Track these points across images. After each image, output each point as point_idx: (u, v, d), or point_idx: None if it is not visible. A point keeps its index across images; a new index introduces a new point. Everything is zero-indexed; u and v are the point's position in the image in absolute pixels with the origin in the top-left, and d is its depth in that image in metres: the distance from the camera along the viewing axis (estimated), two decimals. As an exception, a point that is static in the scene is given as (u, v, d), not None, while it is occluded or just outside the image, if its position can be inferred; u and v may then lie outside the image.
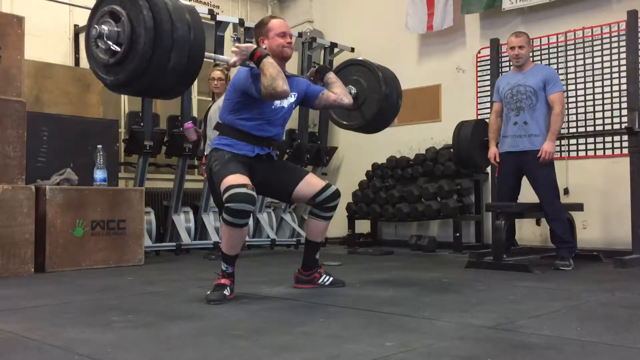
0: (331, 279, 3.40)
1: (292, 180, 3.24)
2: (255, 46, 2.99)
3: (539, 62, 5.75)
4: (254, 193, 2.91)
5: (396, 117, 3.73)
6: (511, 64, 4.70)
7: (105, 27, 2.44)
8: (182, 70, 2.49)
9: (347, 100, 3.33)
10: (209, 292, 2.96)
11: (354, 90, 3.53)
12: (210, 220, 6.05)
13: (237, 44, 3.05)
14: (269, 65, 2.90)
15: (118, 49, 2.43)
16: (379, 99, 3.51)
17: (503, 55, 5.86)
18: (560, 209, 4.37)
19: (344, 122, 3.73)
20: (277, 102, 3.13)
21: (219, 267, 3.07)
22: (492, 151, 4.58)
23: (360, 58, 3.72)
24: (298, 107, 6.84)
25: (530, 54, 4.67)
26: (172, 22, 2.41)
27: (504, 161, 4.52)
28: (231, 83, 3.17)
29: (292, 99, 3.24)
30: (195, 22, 2.54)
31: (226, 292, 2.96)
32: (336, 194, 3.27)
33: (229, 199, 2.85)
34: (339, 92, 3.31)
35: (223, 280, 3.00)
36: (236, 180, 2.89)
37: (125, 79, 2.42)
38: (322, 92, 3.32)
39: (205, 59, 2.68)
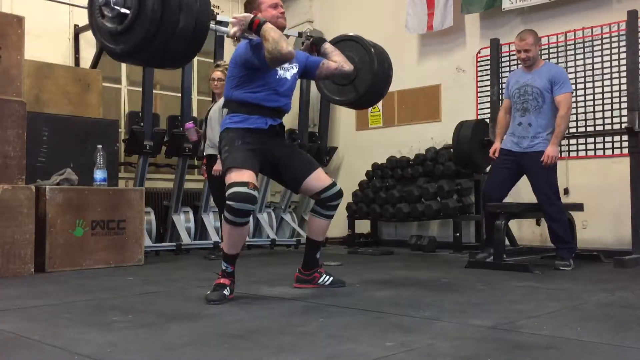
0: (331, 279, 3.39)
1: (304, 170, 3.22)
2: (252, 15, 2.96)
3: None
4: (256, 193, 2.91)
5: (388, 89, 3.66)
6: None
7: None
8: (190, 33, 2.45)
9: (348, 67, 3.31)
10: (208, 292, 2.96)
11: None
12: (210, 220, 6.06)
13: (234, 15, 3.02)
14: (270, 29, 2.88)
15: (127, 11, 2.37)
16: (371, 71, 3.48)
17: (503, 55, 5.86)
18: (561, 209, 4.36)
19: (337, 98, 3.69)
20: (281, 72, 3.12)
21: (218, 267, 3.07)
22: (495, 146, 4.56)
23: (351, 34, 3.67)
24: (298, 107, 6.85)
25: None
26: None
27: (502, 155, 4.50)
28: (232, 60, 3.14)
29: (294, 69, 3.22)
30: None
31: (226, 292, 2.96)
32: (340, 193, 3.30)
33: (230, 197, 2.86)
34: (339, 60, 3.30)
35: (223, 280, 3.00)
36: (240, 177, 2.89)
37: (135, 45, 2.37)
38: (322, 62, 3.31)
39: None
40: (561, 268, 4.14)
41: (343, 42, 3.59)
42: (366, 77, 3.51)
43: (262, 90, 3.08)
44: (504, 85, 5.46)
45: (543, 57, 5.73)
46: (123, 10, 2.38)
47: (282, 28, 3.13)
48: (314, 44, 3.42)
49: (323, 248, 6.46)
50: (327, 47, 3.38)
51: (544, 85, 4.30)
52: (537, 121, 4.32)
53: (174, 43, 2.43)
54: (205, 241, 5.91)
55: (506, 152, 4.49)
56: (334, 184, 3.27)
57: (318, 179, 3.23)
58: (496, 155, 4.52)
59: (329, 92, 3.71)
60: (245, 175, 2.91)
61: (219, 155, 3.24)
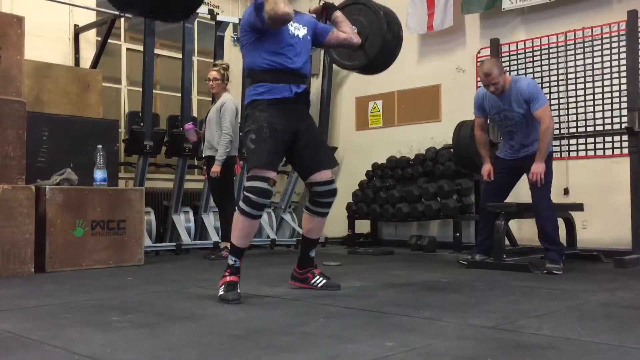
0: (324, 281, 3.29)
1: (320, 164, 3.20)
2: None
3: (538, 62, 5.75)
4: (273, 189, 2.97)
5: (399, 50, 3.59)
6: None
7: None
8: None
9: (357, 39, 3.32)
10: (222, 292, 2.92)
11: (355, 30, 3.42)
12: (210, 220, 6.06)
13: None
14: None
15: None
16: (381, 33, 3.42)
17: (503, 55, 5.86)
18: (551, 207, 4.26)
19: (347, 63, 3.62)
20: (292, 30, 3.09)
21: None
22: (487, 168, 4.43)
23: None
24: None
25: (506, 69, 4.47)
26: None
27: (501, 162, 4.48)
28: (241, 28, 3.14)
29: (303, 31, 3.18)
30: None
31: (239, 289, 2.94)
32: (333, 192, 3.24)
33: (250, 190, 2.92)
34: (348, 30, 3.31)
35: (232, 278, 2.97)
36: (262, 172, 2.94)
37: None
38: (332, 30, 3.30)
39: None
40: (554, 272, 4.00)
41: (352, 6, 3.53)
42: (376, 41, 3.44)
43: (277, 52, 3.04)
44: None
45: (543, 57, 5.74)
46: None
47: None
48: (326, 8, 3.38)
49: (323, 248, 6.49)
50: (338, 15, 3.36)
51: (521, 106, 4.20)
52: (526, 138, 4.30)
53: None
54: (205, 241, 5.91)
55: (500, 160, 4.48)
56: (331, 181, 3.23)
57: (323, 173, 3.21)
58: (491, 177, 4.41)
59: (339, 57, 3.64)
60: (267, 171, 2.95)
61: (244, 134, 3.17)
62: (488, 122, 4.59)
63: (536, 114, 4.14)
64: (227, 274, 2.99)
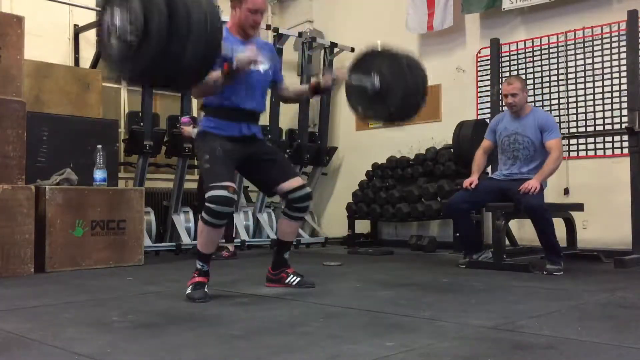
0: (299, 279, 3.33)
1: (286, 174, 3.22)
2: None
3: (539, 62, 5.75)
4: (235, 196, 2.96)
5: (425, 101, 3.51)
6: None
7: (117, 16, 2.28)
8: (198, 62, 2.34)
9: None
10: (189, 291, 2.98)
11: (377, 80, 3.35)
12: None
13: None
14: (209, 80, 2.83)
15: (131, 38, 2.25)
16: (403, 87, 3.34)
17: (503, 55, 5.86)
18: (548, 210, 4.16)
19: (369, 113, 3.54)
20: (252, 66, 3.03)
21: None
22: (471, 179, 4.39)
23: (379, 47, 3.56)
24: (298, 107, 6.83)
25: (529, 98, 4.45)
26: (187, 10, 2.25)
27: (489, 180, 4.55)
28: None
29: (265, 66, 3.16)
30: (210, 8, 2.36)
31: (206, 289, 2.99)
32: (308, 197, 3.25)
33: (211, 200, 2.91)
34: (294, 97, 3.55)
35: (200, 279, 3.03)
36: (220, 183, 2.93)
37: (142, 69, 2.27)
38: (283, 82, 3.40)
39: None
40: (554, 273, 3.97)
41: (372, 57, 3.47)
42: (398, 92, 3.35)
43: (228, 90, 3.02)
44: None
45: (543, 57, 5.74)
46: (126, 37, 2.25)
47: (248, 35, 3.14)
48: (319, 90, 3.39)
49: (323, 248, 6.49)
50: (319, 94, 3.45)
51: (534, 133, 4.24)
52: (527, 166, 4.30)
53: (184, 66, 2.30)
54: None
55: (489, 179, 4.54)
56: (303, 186, 3.23)
57: (292, 181, 3.21)
58: (472, 186, 4.35)
59: (362, 108, 3.51)
60: (225, 182, 2.93)
61: (198, 161, 3.24)
62: (495, 147, 4.57)
63: (549, 143, 4.19)
64: (195, 275, 3.04)
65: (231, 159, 3.07)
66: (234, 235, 5.50)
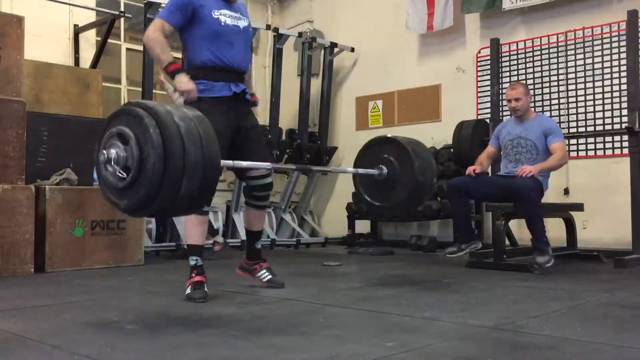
0: (270, 276, 3.31)
1: (255, 160, 3.17)
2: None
3: (539, 62, 5.75)
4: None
5: (430, 196, 3.52)
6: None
7: (113, 151, 2.25)
8: (194, 196, 2.30)
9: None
10: (189, 291, 2.97)
11: (385, 171, 3.41)
12: (211, 220, 6.05)
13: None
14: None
15: (125, 175, 2.24)
16: (411, 182, 3.32)
17: (503, 55, 5.86)
18: (535, 193, 4.12)
19: (377, 204, 3.52)
20: (229, 21, 3.08)
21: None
22: (474, 167, 4.37)
23: (390, 135, 3.61)
24: (298, 107, 6.80)
25: (532, 103, 4.50)
26: (183, 147, 2.20)
27: (492, 175, 4.60)
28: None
29: (243, 21, 3.18)
30: (207, 139, 2.29)
31: (206, 288, 2.98)
32: (268, 186, 3.25)
33: None
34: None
35: (199, 278, 3.01)
36: None
37: (136, 204, 2.24)
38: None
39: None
40: (546, 266, 3.95)
41: (382, 144, 3.52)
42: (406, 185, 3.34)
43: (214, 44, 3.04)
44: (504, 85, 5.48)
45: (543, 57, 5.74)
46: (120, 173, 2.24)
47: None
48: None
49: (322, 248, 6.49)
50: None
51: (538, 137, 4.26)
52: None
53: (177, 203, 2.27)
54: (205, 241, 5.89)
55: (493, 175, 4.61)
56: (266, 176, 3.22)
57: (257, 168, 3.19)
58: (475, 171, 4.32)
59: (370, 198, 3.53)
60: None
61: None
62: (499, 154, 4.57)
63: (554, 145, 4.21)
64: (194, 274, 3.02)
65: (223, 138, 2.85)
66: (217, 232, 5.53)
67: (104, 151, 2.27)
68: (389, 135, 3.60)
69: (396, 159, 3.39)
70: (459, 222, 4.38)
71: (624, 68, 5.02)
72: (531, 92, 5.71)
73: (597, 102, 5.41)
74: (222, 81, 3.07)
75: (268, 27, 6.81)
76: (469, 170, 4.38)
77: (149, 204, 2.21)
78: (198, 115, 2.33)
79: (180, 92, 2.95)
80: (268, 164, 3.15)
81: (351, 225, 6.69)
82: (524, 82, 5.00)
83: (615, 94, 5.28)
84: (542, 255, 4.01)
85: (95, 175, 4.58)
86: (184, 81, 2.93)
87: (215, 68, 3.06)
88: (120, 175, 2.24)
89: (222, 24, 3.06)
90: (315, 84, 7.26)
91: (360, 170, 3.44)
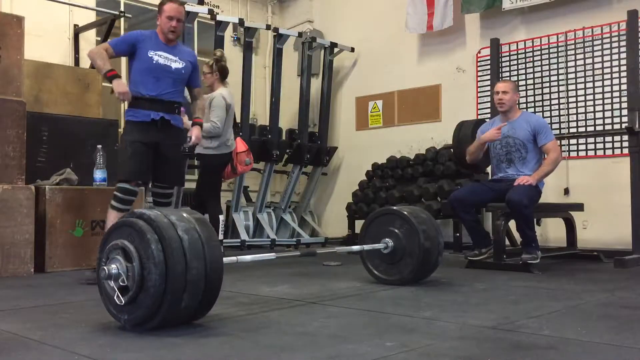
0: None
1: (168, 180, 3.87)
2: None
3: (539, 62, 5.75)
4: (137, 189, 3.71)
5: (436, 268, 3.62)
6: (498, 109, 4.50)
7: (113, 266, 2.24)
8: (194, 310, 2.32)
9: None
10: (89, 273, 3.28)
11: (390, 244, 3.48)
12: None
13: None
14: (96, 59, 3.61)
15: (122, 297, 2.23)
16: (417, 255, 3.43)
17: (503, 55, 5.87)
18: (529, 209, 4.12)
19: (383, 277, 3.59)
20: (161, 60, 3.65)
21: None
22: (495, 130, 4.32)
23: (395, 208, 3.65)
24: (298, 107, 6.80)
25: (518, 102, 4.49)
26: (186, 263, 2.20)
27: (488, 180, 4.59)
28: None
29: (178, 64, 3.72)
30: (210, 248, 2.28)
31: None
32: (167, 204, 3.89)
33: (118, 190, 3.66)
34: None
35: None
36: (127, 176, 3.66)
37: (136, 320, 2.23)
38: (199, 90, 3.95)
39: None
40: (530, 262, 4.02)
41: (388, 216, 3.57)
42: (412, 259, 3.45)
43: (142, 79, 3.62)
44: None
45: (543, 57, 5.74)
46: (119, 296, 2.23)
47: (168, 41, 3.69)
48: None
49: (322, 248, 6.48)
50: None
51: (526, 135, 4.28)
52: (523, 167, 4.32)
53: (180, 315, 2.28)
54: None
55: (489, 180, 4.57)
56: (168, 196, 3.91)
57: (166, 188, 3.88)
58: (499, 128, 4.30)
59: (378, 272, 3.62)
60: (133, 174, 3.67)
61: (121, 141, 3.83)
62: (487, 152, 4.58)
63: (547, 146, 4.24)
64: None
65: (143, 155, 3.65)
66: None
67: (105, 267, 2.26)
68: (394, 208, 3.69)
69: (402, 231, 3.49)
70: (471, 230, 4.44)
71: (624, 68, 5.02)
72: (531, 92, 5.73)
73: (597, 102, 5.41)
74: (144, 109, 3.64)
75: (268, 27, 6.81)
76: (492, 132, 4.31)
77: (150, 320, 2.22)
78: (199, 219, 2.36)
79: (117, 94, 3.52)
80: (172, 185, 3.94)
81: (351, 225, 6.68)
82: (522, 76, 4.95)
83: (615, 94, 5.28)
84: (528, 254, 4.11)
85: (95, 176, 4.64)
86: (120, 84, 3.53)
87: (143, 98, 3.63)
88: (125, 293, 2.23)
89: (154, 62, 3.63)
90: (315, 84, 7.26)
91: (366, 247, 3.55)
